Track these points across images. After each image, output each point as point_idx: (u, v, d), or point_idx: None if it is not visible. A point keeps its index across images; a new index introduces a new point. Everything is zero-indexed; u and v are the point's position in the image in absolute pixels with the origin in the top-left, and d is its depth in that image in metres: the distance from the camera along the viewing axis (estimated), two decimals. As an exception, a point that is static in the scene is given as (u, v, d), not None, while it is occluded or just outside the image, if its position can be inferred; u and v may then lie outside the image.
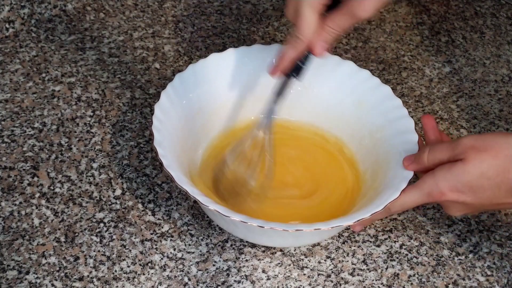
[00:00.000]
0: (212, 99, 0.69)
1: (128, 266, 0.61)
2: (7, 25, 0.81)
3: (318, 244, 0.65)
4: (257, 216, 0.57)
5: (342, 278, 0.62)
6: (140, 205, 0.66)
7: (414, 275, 0.63)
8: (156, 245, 0.63)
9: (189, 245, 0.64)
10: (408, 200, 0.59)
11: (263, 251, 0.64)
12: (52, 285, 0.60)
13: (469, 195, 0.56)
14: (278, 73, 0.62)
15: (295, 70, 0.61)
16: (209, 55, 0.69)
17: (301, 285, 0.61)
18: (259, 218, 0.56)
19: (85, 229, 0.64)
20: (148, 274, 0.61)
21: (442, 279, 0.63)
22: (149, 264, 0.62)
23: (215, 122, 0.70)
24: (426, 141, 0.64)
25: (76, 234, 0.63)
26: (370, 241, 0.65)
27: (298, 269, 0.63)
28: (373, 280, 0.62)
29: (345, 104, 0.70)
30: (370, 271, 0.63)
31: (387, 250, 0.65)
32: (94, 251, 0.62)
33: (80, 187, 0.67)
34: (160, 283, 0.60)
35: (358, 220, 0.56)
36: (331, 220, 0.57)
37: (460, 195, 0.57)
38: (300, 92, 0.72)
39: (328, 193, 0.66)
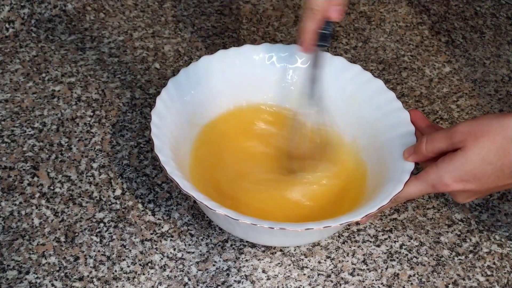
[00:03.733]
0: (206, 101, 0.69)
1: (128, 266, 0.61)
2: (7, 25, 0.81)
3: (318, 244, 0.65)
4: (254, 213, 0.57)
5: (342, 278, 0.62)
6: (140, 205, 0.66)
7: (414, 275, 0.63)
8: (156, 245, 0.63)
9: (189, 245, 0.64)
10: (412, 191, 0.60)
11: (263, 251, 0.64)
12: (52, 285, 0.59)
13: (474, 182, 0.57)
14: (308, 47, 0.64)
15: (321, 39, 0.64)
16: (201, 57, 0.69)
17: (301, 285, 0.61)
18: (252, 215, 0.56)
19: (85, 229, 0.64)
20: (148, 274, 0.61)
21: (442, 279, 0.63)
22: (149, 264, 0.62)
23: (208, 124, 0.70)
24: (419, 131, 0.65)
25: (76, 234, 0.63)
26: (370, 241, 0.65)
27: (298, 269, 0.63)
28: (373, 280, 0.62)
29: (337, 100, 0.70)
30: (370, 271, 0.63)
31: (387, 250, 0.65)
32: (94, 251, 0.62)
33: (80, 187, 0.67)
34: (160, 283, 0.60)
35: (365, 215, 0.56)
36: (339, 217, 0.57)
37: (465, 184, 0.57)
38: (292, 90, 0.72)
39: (326, 189, 0.66)
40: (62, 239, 0.63)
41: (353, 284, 0.62)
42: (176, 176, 0.57)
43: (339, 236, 0.66)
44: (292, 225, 0.55)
